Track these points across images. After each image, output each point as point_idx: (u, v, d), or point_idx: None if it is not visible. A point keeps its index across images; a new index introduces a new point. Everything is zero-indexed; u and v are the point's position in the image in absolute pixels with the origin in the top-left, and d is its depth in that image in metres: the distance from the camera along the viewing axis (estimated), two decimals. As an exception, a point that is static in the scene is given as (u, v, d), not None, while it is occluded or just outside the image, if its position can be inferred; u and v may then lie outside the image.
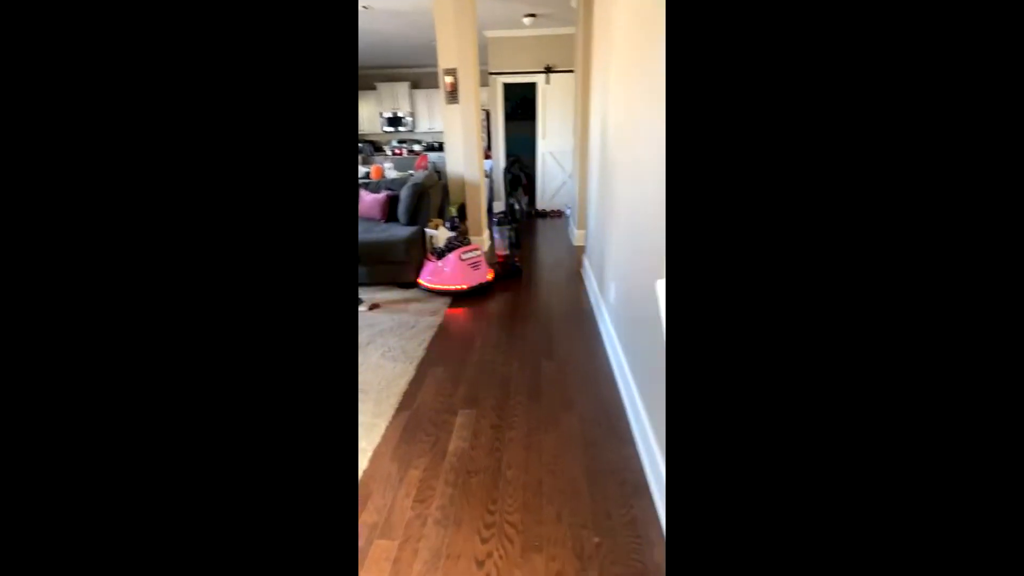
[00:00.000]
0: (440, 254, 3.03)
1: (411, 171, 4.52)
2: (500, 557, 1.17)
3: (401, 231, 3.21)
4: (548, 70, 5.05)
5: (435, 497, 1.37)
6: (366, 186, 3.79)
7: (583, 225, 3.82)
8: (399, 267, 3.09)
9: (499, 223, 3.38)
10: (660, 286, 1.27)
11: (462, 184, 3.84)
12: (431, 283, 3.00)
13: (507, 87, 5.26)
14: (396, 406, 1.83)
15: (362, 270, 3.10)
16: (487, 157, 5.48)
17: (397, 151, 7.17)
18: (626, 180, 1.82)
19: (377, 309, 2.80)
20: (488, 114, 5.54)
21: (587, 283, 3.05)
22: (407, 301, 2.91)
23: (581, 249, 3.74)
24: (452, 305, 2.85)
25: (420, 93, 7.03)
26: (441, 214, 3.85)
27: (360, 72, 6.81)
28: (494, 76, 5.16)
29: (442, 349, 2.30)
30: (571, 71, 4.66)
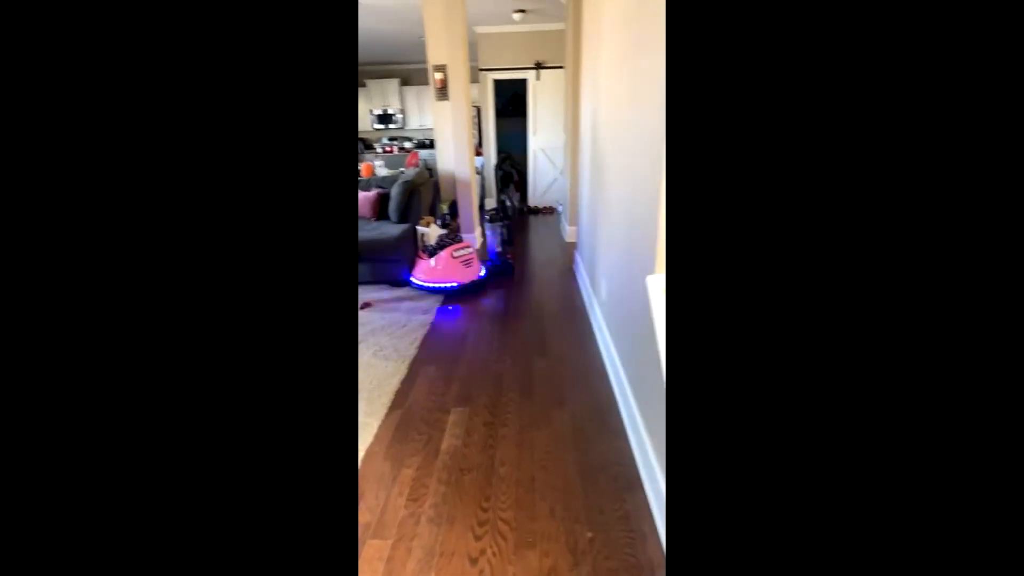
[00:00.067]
0: (432, 252, 3.02)
1: (402, 168, 4.49)
2: (494, 554, 1.18)
3: (392, 229, 3.19)
4: (538, 66, 5.03)
5: (428, 495, 1.37)
6: (356, 184, 3.76)
7: (575, 221, 3.82)
8: (390, 265, 3.08)
9: (491, 220, 3.37)
10: (651, 282, 1.28)
11: (453, 181, 3.83)
12: (423, 281, 2.99)
13: (498, 83, 5.23)
14: (388, 405, 1.82)
15: (353, 269, 3.07)
16: (478, 154, 5.46)
17: (388, 148, 7.12)
18: (617, 176, 1.82)
19: (368, 308, 2.78)
20: (479, 111, 5.51)
21: (579, 279, 3.06)
22: (399, 299, 2.90)
23: (573, 245, 3.74)
24: (444, 303, 2.84)
25: (410, 90, 6.97)
26: (433, 212, 3.83)
27: (349, 69, 6.72)
28: (484, 72, 5.14)
29: (434, 347, 2.30)
30: (561, 67, 4.66)
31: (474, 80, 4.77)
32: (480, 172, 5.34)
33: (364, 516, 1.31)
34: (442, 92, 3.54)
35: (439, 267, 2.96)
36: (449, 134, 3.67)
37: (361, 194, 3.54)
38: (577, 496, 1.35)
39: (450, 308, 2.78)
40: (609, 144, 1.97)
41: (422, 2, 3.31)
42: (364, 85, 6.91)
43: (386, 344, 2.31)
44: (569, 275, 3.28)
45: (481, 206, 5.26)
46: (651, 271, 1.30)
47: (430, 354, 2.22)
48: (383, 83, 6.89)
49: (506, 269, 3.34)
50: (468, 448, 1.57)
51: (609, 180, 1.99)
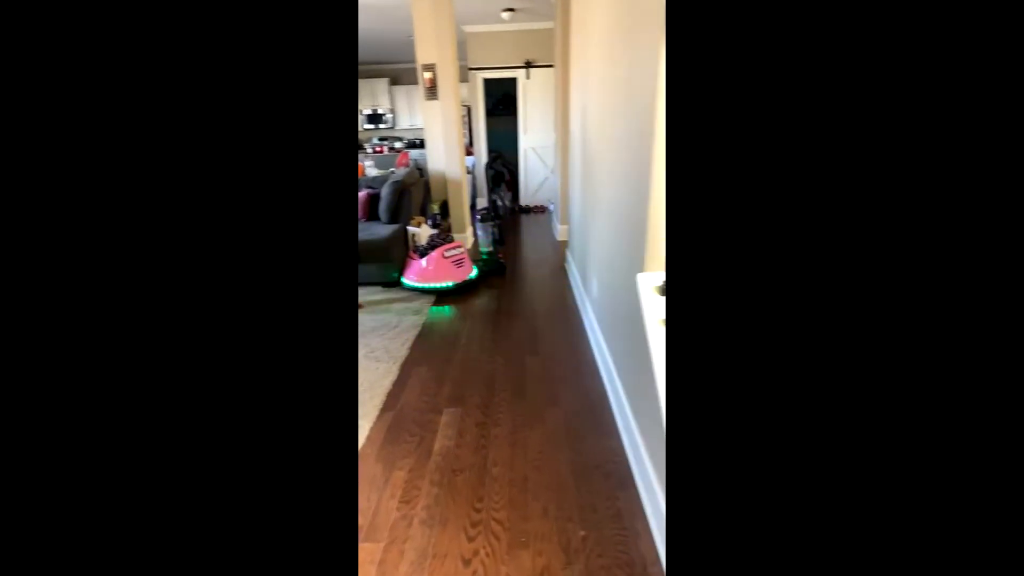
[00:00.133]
0: (423, 252, 3.00)
1: (392, 169, 4.47)
2: (487, 555, 1.17)
3: (382, 230, 3.17)
4: (528, 65, 5.03)
5: (421, 497, 1.36)
6: (346, 184, 3.73)
7: (566, 220, 3.82)
8: (381, 266, 3.06)
9: (482, 219, 3.36)
10: (640, 279, 1.28)
11: (444, 181, 3.81)
12: (414, 281, 2.98)
13: (487, 82, 5.22)
14: (380, 407, 1.81)
15: (343, 270, 3.05)
16: (469, 153, 5.44)
17: (378, 149, 7.08)
18: (606, 174, 1.83)
19: (360, 309, 2.76)
20: (469, 110, 5.50)
21: (571, 278, 3.06)
22: (390, 301, 2.88)
23: (564, 244, 3.74)
24: (436, 303, 2.83)
25: (400, 89, 6.93)
26: (423, 212, 3.81)
27: (337, 68, 6.66)
28: (474, 71, 5.12)
29: (426, 348, 2.28)
30: (551, 66, 4.65)
31: (464, 79, 4.76)
32: (471, 171, 5.33)
33: (356, 519, 1.30)
34: (431, 91, 3.53)
35: (430, 267, 2.94)
36: (439, 133, 3.65)
37: (351, 195, 3.51)
38: (570, 495, 1.35)
39: (442, 308, 2.77)
40: (598, 142, 1.97)
41: (410, 1, 3.29)
42: (353, 85, 6.85)
43: (377, 345, 2.29)
44: (561, 274, 3.28)
45: (472, 205, 5.25)
46: (641, 269, 1.30)
47: (422, 355, 2.21)
48: (372, 83, 6.84)
49: (498, 269, 3.34)
50: (460, 449, 1.56)
51: (599, 178, 1.99)
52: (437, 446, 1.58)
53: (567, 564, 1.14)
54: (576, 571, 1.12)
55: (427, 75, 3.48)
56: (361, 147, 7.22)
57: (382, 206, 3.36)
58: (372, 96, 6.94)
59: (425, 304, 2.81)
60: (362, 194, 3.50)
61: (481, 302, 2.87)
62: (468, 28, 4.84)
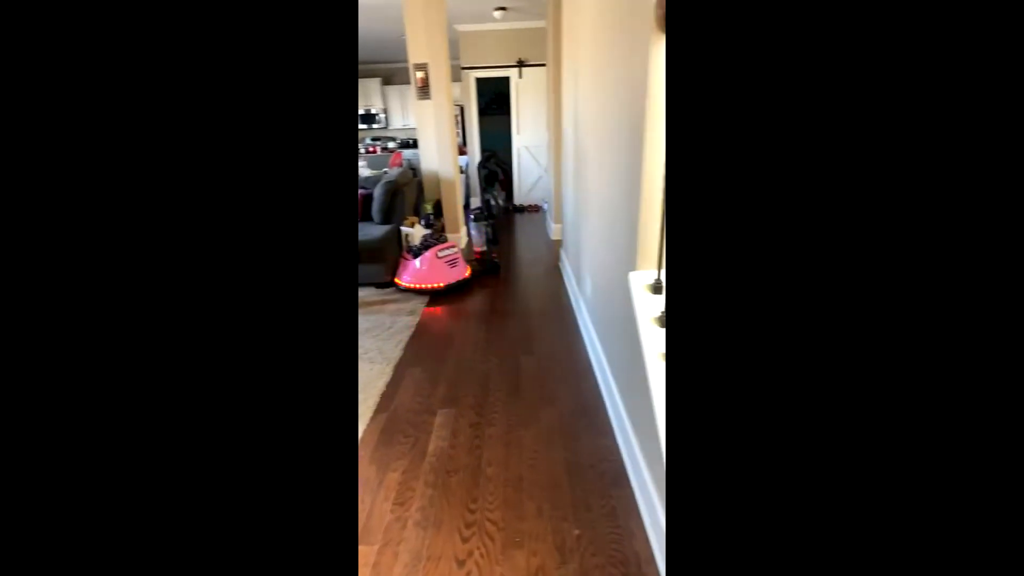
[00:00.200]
0: (416, 252, 2.99)
1: (385, 169, 4.45)
2: (481, 556, 1.17)
3: (375, 230, 3.15)
4: (521, 64, 5.02)
5: (415, 499, 1.36)
6: (338, 185, 3.71)
7: (560, 219, 3.83)
8: (374, 267, 3.04)
9: (476, 219, 3.36)
10: (632, 278, 1.28)
11: (437, 181, 3.80)
12: (408, 282, 2.96)
13: (480, 82, 5.21)
14: (374, 408, 1.80)
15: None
16: (462, 153, 5.43)
17: (371, 149, 7.04)
18: (598, 173, 1.83)
19: (353, 310, 2.74)
20: (462, 109, 5.48)
21: (565, 277, 3.06)
22: (383, 301, 2.87)
23: (559, 243, 3.74)
24: (430, 304, 2.82)
25: (393, 89, 6.90)
26: (417, 212, 3.80)
27: (329, 68, 6.63)
28: (467, 71, 5.11)
29: (420, 349, 2.28)
30: (543, 65, 4.65)
31: (456, 78, 4.74)
32: (464, 171, 5.32)
33: (349, 522, 1.29)
34: (423, 91, 3.51)
35: (424, 268, 2.93)
36: (432, 133, 3.64)
37: (343, 195, 3.49)
38: (564, 494, 1.35)
39: (435, 309, 2.76)
40: (590, 141, 1.97)
41: (402, 0, 3.27)
42: (345, 85, 6.81)
43: (371, 347, 2.28)
44: (555, 273, 3.28)
45: (466, 205, 5.24)
46: (633, 267, 1.30)
47: (416, 356, 2.21)
48: (365, 82, 6.81)
49: (492, 268, 3.33)
50: (455, 449, 1.56)
51: (591, 177, 1.99)
52: (431, 447, 1.57)
53: (561, 563, 1.14)
54: (571, 570, 1.12)
55: (419, 74, 3.47)
56: (354, 147, 7.18)
57: (375, 206, 3.35)
58: (365, 96, 6.91)
59: (419, 305, 2.80)
60: (355, 195, 3.48)
61: (475, 302, 2.86)
62: (460, 27, 4.83)
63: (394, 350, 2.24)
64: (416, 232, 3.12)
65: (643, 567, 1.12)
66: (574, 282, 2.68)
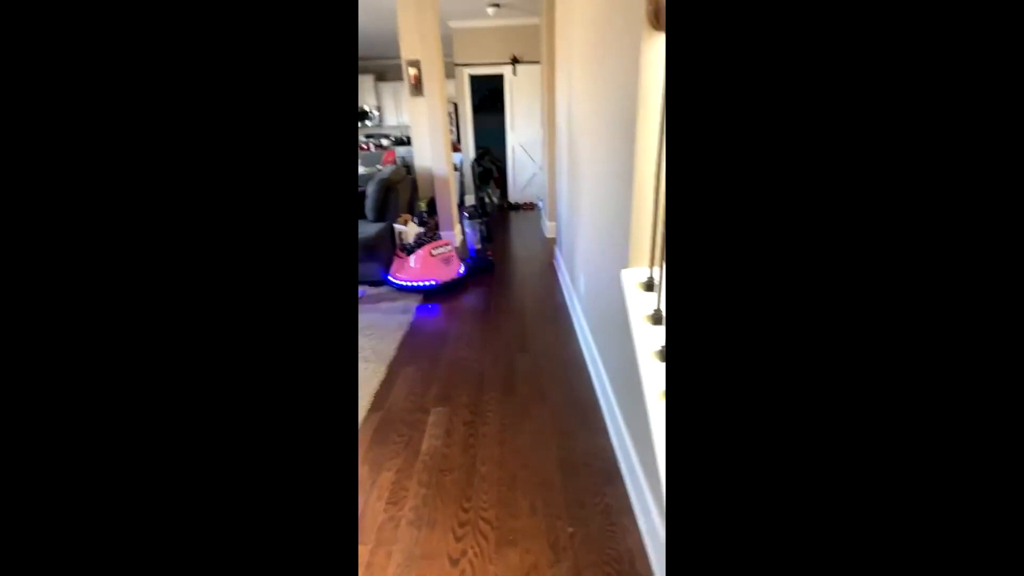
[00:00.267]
0: (410, 250, 2.98)
1: (378, 166, 4.42)
2: (475, 554, 1.17)
3: (368, 228, 3.13)
4: (515, 61, 5.00)
5: (408, 498, 1.35)
6: (331, 183, 3.68)
7: (554, 217, 3.82)
8: (368, 265, 3.02)
9: (470, 217, 3.35)
10: (625, 275, 1.28)
11: (431, 178, 3.78)
12: (401, 280, 2.95)
13: (474, 79, 5.18)
14: (367, 408, 1.79)
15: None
16: (456, 150, 5.41)
17: (364, 146, 6.99)
18: (591, 171, 1.82)
19: (346, 309, 2.73)
20: (456, 106, 5.45)
21: (559, 275, 3.06)
22: (377, 300, 2.85)
23: (553, 241, 3.74)
24: (423, 302, 2.81)
25: (386, 86, 6.86)
26: (411, 209, 3.78)
27: (322, 65, 6.58)
28: (460, 68, 5.08)
29: (414, 347, 2.27)
30: (537, 62, 4.63)
31: (450, 75, 4.72)
32: (458, 169, 5.30)
33: (342, 522, 1.28)
34: (416, 88, 3.49)
35: (417, 266, 2.92)
36: (425, 130, 3.62)
37: (336, 193, 3.47)
38: (558, 492, 1.35)
39: (430, 307, 2.75)
40: (583, 139, 1.97)
41: (393, -4, 3.24)
42: (338, 82, 6.76)
43: (364, 346, 2.27)
44: (549, 271, 3.28)
45: (460, 203, 5.22)
46: (625, 264, 1.30)
47: (410, 354, 2.20)
48: (358, 79, 6.76)
49: (486, 266, 3.33)
50: (449, 448, 1.55)
51: (584, 174, 1.99)
52: (425, 446, 1.57)
53: (555, 561, 1.14)
54: (564, 568, 1.12)
55: (412, 71, 3.44)
56: (347, 145, 7.13)
57: (368, 204, 3.33)
58: (358, 93, 6.86)
59: (413, 303, 2.78)
60: (348, 192, 3.45)
61: (469, 300, 2.85)
62: (453, 23, 4.80)
63: (388, 349, 2.23)
64: (410, 230, 3.11)
65: (636, 564, 1.12)
66: (568, 280, 2.68)
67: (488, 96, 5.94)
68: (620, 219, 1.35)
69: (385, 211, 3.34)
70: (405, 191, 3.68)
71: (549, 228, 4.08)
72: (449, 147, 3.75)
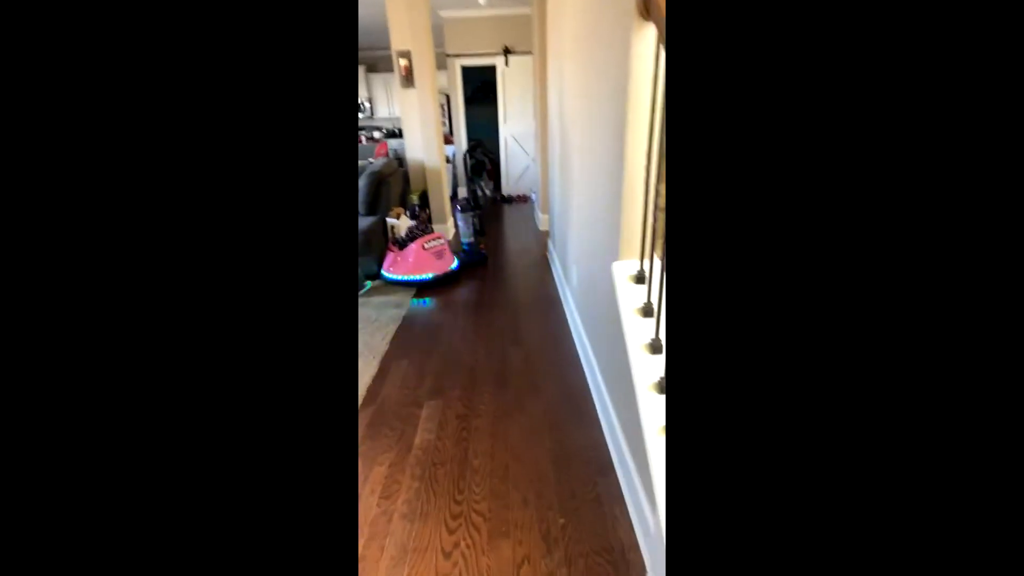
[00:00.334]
0: (402, 244, 2.96)
1: (370, 159, 4.37)
2: (467, 546, 1.18)
3: (360, 222, 3.11)
4: (507, 52, 4.95)
5: (401, 492, 1.36)
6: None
7: (547, 209, 3.81)
8: (360, 259, 3.00)
9: (462, 210, 3.33)
10: (616, 268, 1.28)
11: (423, 171, 3.75)
12: (394, 274, 2.94)
13: (466, 70, 5.13)
14: (360, 402, 1.79)
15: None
16: (448, 142, 5.37)
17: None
18: (583, 162, 1.81)
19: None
20: (448, 98, 5.40)
21: (552, 268, 3.06)
22: (369, 294, 2.84)
23: (546, 234, 3.73)
24: (416, 296, 2.80)
25: (377, 77, 6.76)
26: (403, 203, 3.75)
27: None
28: (452, 58, 5.02)
29: (406, 341, 2.26)
30: (530, 53, 4.59)
31: (442, 66, 4.67)
32: (451, 161, 5.26)
33: (335, 516, 1.29)
34: (407, 79, 3.45)
35: (410, 259, 2.91)
36: (417, 122, 3.58)
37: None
38: (550, 483, 1.36)
39: (422, 301, 2.74)
40: (574, 131, 1.96)
41: (382, -15, 3.19)
42: (328, 73, 6.66)
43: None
44: (543, 264, 3.28)
45: (453, 195, 5.19)
46: (616, 257, 1.30)
47: (402, 348, 2.19)
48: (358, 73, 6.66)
49: (479, 259, 3.32)
50: (441, 441, 1.56)
51: (575, 167, 1.98)
52: (418, 440, 1.57)
53: (547, 552, 1.15)
54: (556, 559, 1.13)
55: (403, 62, 3.40)
56: (338, 137, 7.04)
57: (360, 197, 3.30)
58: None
59: (405, 297, 2.77)
60: (339, 186, 3.42)
61: (462, 294, 2.85)
62: (444, 13, 4.73)
63: (380, 343, 2.23)
64: (402, 223, 3.09)
65: (627, 554, 1.13)
66: (561, 272, 2.68)
67: (480, 88, 5.88)
68: (611, 212, 1.35)
69: (377, 204, 3.32)
70: (397, 184, 3.65)
71: (542, 221, 4.07)
72: (441, 139, 3.73)
